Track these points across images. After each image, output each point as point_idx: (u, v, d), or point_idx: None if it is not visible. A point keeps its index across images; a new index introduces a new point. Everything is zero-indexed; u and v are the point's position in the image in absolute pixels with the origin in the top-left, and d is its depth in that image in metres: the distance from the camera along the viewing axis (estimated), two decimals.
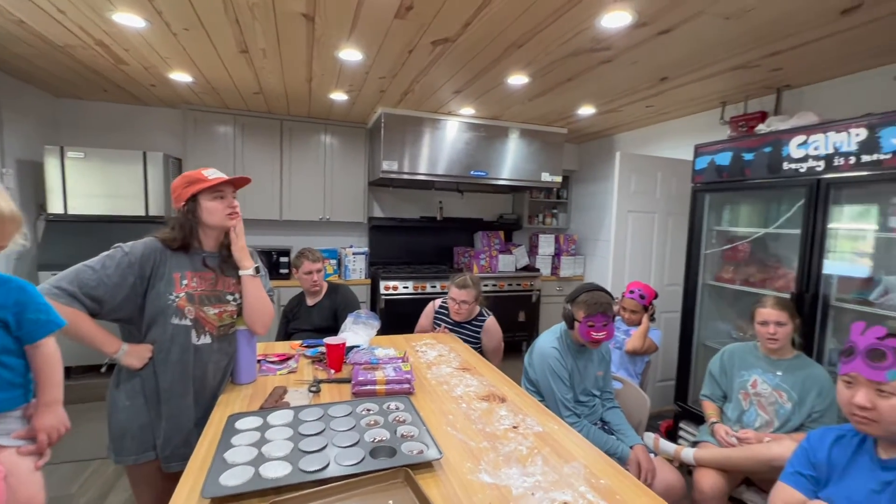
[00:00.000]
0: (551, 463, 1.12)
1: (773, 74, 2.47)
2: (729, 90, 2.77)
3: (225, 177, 1.37)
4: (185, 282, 1.33)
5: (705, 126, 3.19)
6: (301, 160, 3.90)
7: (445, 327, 2.41)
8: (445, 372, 1.76)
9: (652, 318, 2.42)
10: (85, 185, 3.14)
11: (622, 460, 1.66)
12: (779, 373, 1.81)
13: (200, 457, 1.08)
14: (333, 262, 4.02)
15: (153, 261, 1.30)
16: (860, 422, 1.06)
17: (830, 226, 1.96)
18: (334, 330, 2.31)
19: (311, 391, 1.49)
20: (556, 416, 1.43)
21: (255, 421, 1.21)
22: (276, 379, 1.61)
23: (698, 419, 2.15)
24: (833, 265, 1.97)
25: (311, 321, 2.43)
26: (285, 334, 2.49)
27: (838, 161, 1.88)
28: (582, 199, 4.79)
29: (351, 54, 2.38)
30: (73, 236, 3.12)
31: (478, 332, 2.35)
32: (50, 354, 1.09)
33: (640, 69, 2.48)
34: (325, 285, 2.52)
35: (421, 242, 4.60)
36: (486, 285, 4.09)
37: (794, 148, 2.05)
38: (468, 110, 3.56)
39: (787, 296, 2.06)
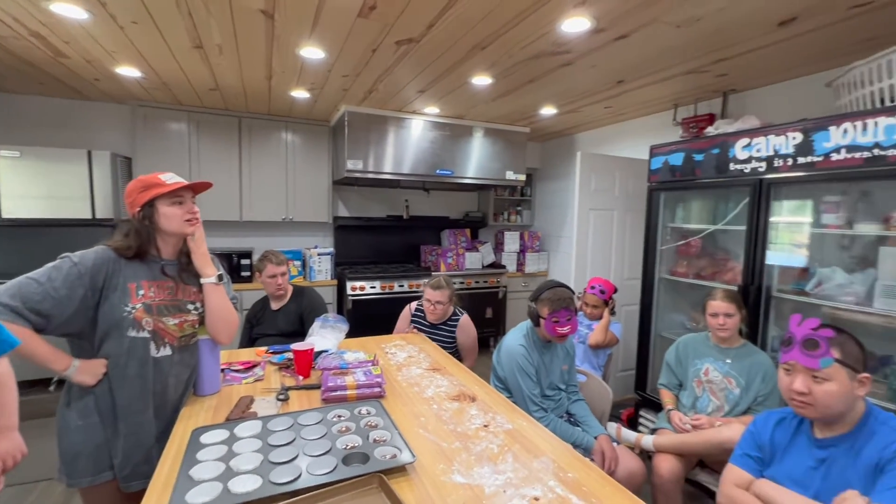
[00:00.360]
0: (521, 459, 1.15)
1: (720, 79, 2.62)
2: (680, 93, 2.92)
3: (184, 181, 1.32)
4: (141, 292, 1.27)
5: (660, 126, 3.34)
6: (261, 159, 3.78)
7: (414, 327, 2.44)
8: (416, 373, 1.77)
9: (612, 312, 2.53)
10: (21, 186, 2.92)
11: (587, 450, 1.73)
12: (728, 360, 1.94)
13: (164, 474, 1.04)
14: (298, 263, 3.93)
15: (105, 271, 1.23)
16: (798, 406, 1.16)
17: (772, 219, 2.10)
18: (301, 334, 2.27)
19: (279, 399, 1.46)
20: (524, 412, 1.48)
21: (222, 434, 1.18)
22: (241, 388, 1.57)
23: (657, 407, 2.27)
24: (775, 256, 2.12)
25: (277, 326, 2.38)
26: (249, 340, 2.42)
27: (778, 163, 2.03)
28: (545, 196, 4.90)
29: (313, 52, 2.33)
30: (10, 241, 2.89)
31: (453, 332, 2.40)
32: (2, 376, 1.01)
33: (598, 72, 2.57)
34: (290, 288, 2.47)
35: (387, 242, 4.58)
36: (453, 283, 4.11)
37: (739, 150, 2.19)
38: (433, 109, 3.56)
39: (735, 288, 2.21)
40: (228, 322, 1.43)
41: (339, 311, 3.90)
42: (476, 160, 3.94)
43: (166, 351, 1.32)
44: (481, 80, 2.75)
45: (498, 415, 1.41)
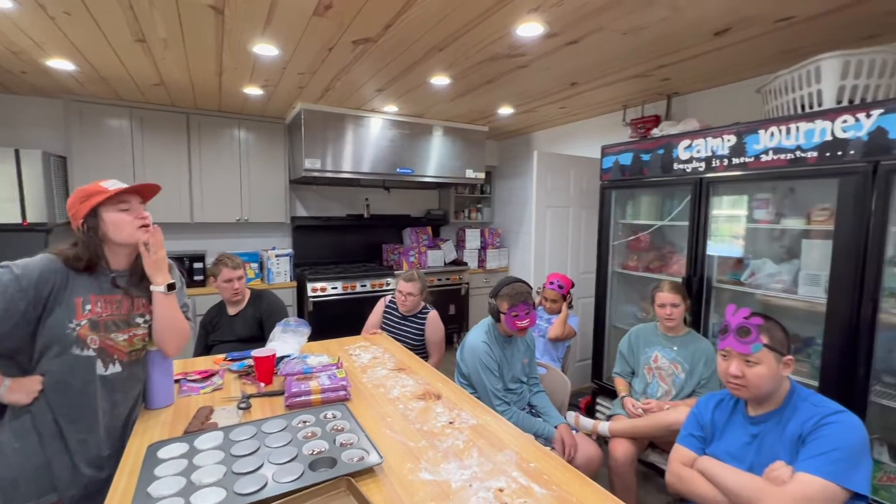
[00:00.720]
0: (486, 453, 1.20)
1: (664, 83, 2.78)
2: (629, 95, 3.07)
3: (126, 186, 1.25)
4: (87, 307, 1.19)
5: (611, 126, 3.50)
6: (213, 158, 3.62)
7: (385, 318, 2.54)
8: (381, 374, 1.78)
9: (570, 306, 2.64)
10: None
11: (549, 440, 1.81)
12: (675, 348, 2.08)
13: (119, 493, 1.00)
14: (255, 265, 3.81)
15: (52, 283, 1.14)
16: (734, 388, 1.27)
17: (713, 214, 2.26)
18: (260, 339, 2.22)
19: (240, 408, 1.43)
20: (488, 407, 1.52)
21: (181, 447, 1.14)
22: (199, 399, 1.52)
23: (613, 394, 2.40)
24: (714, 248, 2.28)
25: (234, 332, 2.30)
26: (205, 348, 2.33)
27: (715, 163, 2.19)
28: (504, 193, 5.00)
29: (266, 49, 2.27)
30: None
31: (422, 326, 2.49)
32: None
33: (552, 74, 2.66)
34: (248, 292, 2.40)
35: (348, 241, 4.52)
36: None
37: (681, 151, 2.34)
38: (392, 108, 3.55)
39: (680, 279, 2.37)
40: (177, 333, 1.36)
41: (300, 313, 3.82)
42: (436, 158, 3.97)
43: (115, 368, 1.25)
44: (440, 81, 2.77)
45: (463, 411, 1.45)
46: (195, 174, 3.56)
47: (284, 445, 1.15)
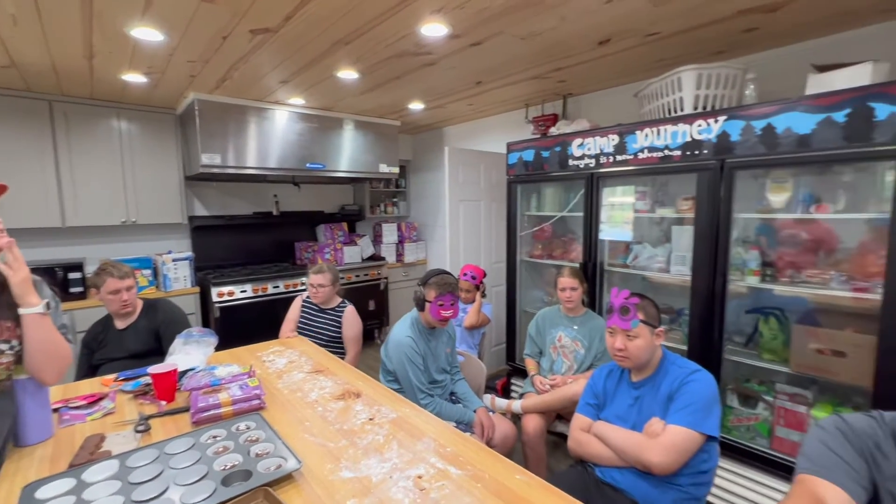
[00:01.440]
0: (406, 444, 1.25)
1: (560, 85, 3.02)
2: (529, 95, 3.28)
3: None
4: None
5: (516, 123, 3.71)
6: (87, 151, 3.17)
7: (303, 318, 2.53)
8: (298, 378, 1.74)
9: (483, 295, 2.78)
10: None
11: (470, 425, 1.91)
12: (575, 327, 2.31)
13: None
14: (147, 272, 3.43)
15: None
16: (619, 359, 1.46)
17: (604, 203, 2.52)
18: (158, 353, 2.03)
19: (138, 431, 1.32)
20: (408, 400, 1.57)
21: (65, 484, 1.03)
22: (86, 427, 1.36)
23: (525, 374, 2.59)
24: (606, 233, 2.54)
25: (126, 347, 2.07)
26: (90, 369, 2.07)
27: (603, 160, 2.44)
28: (419, 187, 5.06)
29: (148, 33, 2.04)
30: None
31: (339, 319, 2.50)
32: None
33: (458, 73, 2.75)
34: (140, 303, 2.17)
35: (257, 241, 4.26)
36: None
37: (575, 148, 2.57)
38: (298, 100, 3.40)
39: (578, 265, 2.62)
40: (56, 358, 1.21)
41: (205, 322, 3.53)
42: (348, 153, 3.89)
43: None
44: (347, 75, 2.72)
45: (383, 406, 1.48)
46: (64, 170, 3.10)
47: (192, 465, 1.09)
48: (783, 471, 1.86)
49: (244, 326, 3.47)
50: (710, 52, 2.40)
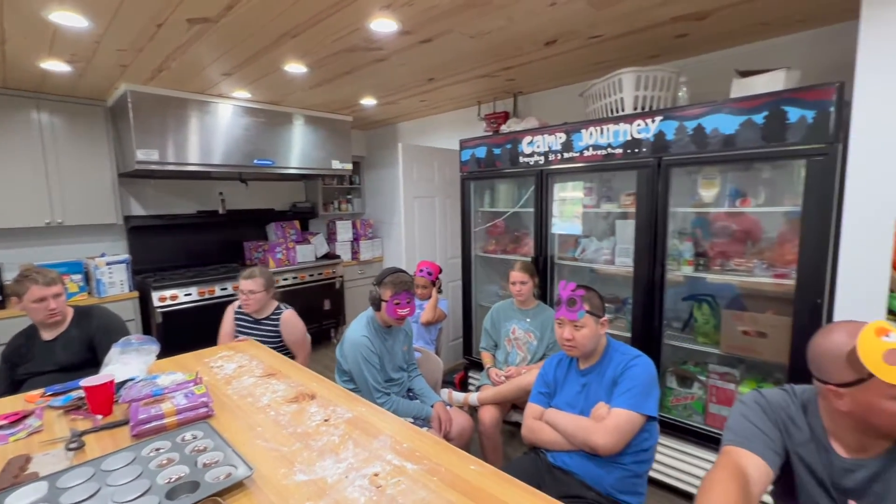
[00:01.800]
0: (362, 443, 1.24)
1: (510, 83, 3.08)
2: (481, 92, 3.33)
3: None
4: None
5: (469, 120, 3.75)
6: (1, 146, 2.88)
7: (238, 325, 2.35)
8: (248, 383, 1.69)
9: (439, 290, 2.81)
10: None
11: (427, 419, 1.93)
12: (528, 319, 2.38)
13: None
14: (78, 277, 3.17)
15: None
16: (568, 349, 1.53)
17: (554, 199, 2.61)
18: (93, 364, 1.89)
19: (70, 449, 1.23)
20: (364, 399, 1.57)
21: None
22: (9, 448, 1.25)
23: (481, 367, 2.64)
24: (556, 227, 2.63)
25: (55, 360, 1.92)
26: (12, 385, 1.90)
27: (552, 157, 2.53)
28: (374, 184, 5.00)
29: (70, 18, 1.88)
30: None
31: (277, 327, 2.33)
32: None
33: (410, 70, 2.74)
34: (70, 311, 2.01)
35: (202, 241, 4.05)
36: (285, 279, 3.92)
37: (525, 146, 2.65)
38: (244, 94, 3.25)
39: (530, 259, 2.70)
40: None
41: (146, 328, 3.32)
42: (298, 149, 3.77)
43: None
44: (295, 68, 2.64)
45: (338, 407, 1.47)
46: None
47: (132, 480, 1.03)
48: (716, 444, 2.01)
49: (189, 332, 3.29)
50: (646, 56, 2.53)
